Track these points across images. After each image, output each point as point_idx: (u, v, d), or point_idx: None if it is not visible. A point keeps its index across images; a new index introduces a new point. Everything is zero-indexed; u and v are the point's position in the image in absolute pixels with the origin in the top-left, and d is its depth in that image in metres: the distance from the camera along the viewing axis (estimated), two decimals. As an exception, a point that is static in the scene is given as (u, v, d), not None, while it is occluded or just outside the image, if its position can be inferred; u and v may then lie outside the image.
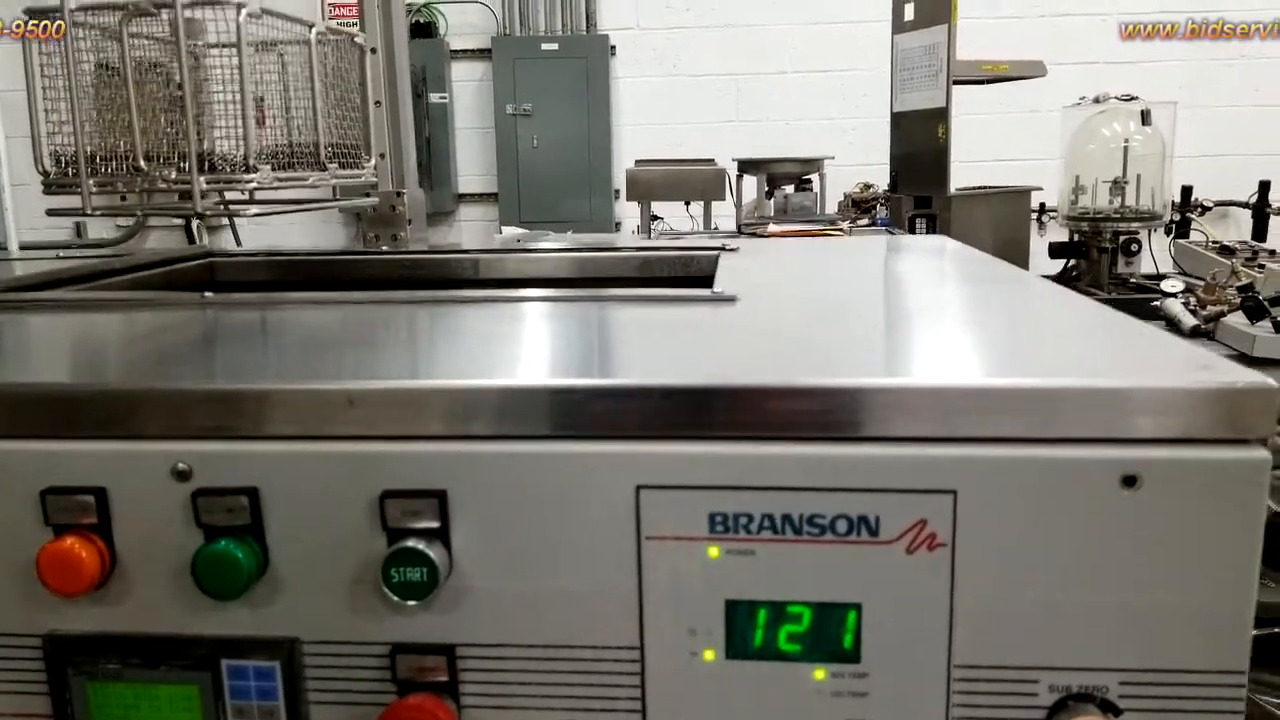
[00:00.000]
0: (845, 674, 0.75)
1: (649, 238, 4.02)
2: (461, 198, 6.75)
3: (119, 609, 0.79)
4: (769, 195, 4.47)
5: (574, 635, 0.77)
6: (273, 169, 1.30)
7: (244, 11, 1.24)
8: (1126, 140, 4.40)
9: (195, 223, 5.49)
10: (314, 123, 1.39)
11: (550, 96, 6.36)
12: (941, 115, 3.92)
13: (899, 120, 4.28)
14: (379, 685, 0.79)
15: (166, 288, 1.53)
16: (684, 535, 0.74)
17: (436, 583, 0.74)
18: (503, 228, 5.50)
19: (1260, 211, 5.20)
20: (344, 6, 6.03)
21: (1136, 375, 0.72)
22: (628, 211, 6.00)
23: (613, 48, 6.44)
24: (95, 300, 1.21)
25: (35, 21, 1.27)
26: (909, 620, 0.73)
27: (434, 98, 6.35)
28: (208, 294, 1.15)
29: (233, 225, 3.00)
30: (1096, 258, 4.36)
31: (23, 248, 6.13)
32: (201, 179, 1.23)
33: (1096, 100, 4.49)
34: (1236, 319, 2.82)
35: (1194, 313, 3.00)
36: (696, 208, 4.53)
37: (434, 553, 0.75)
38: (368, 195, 1.81)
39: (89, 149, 1.26)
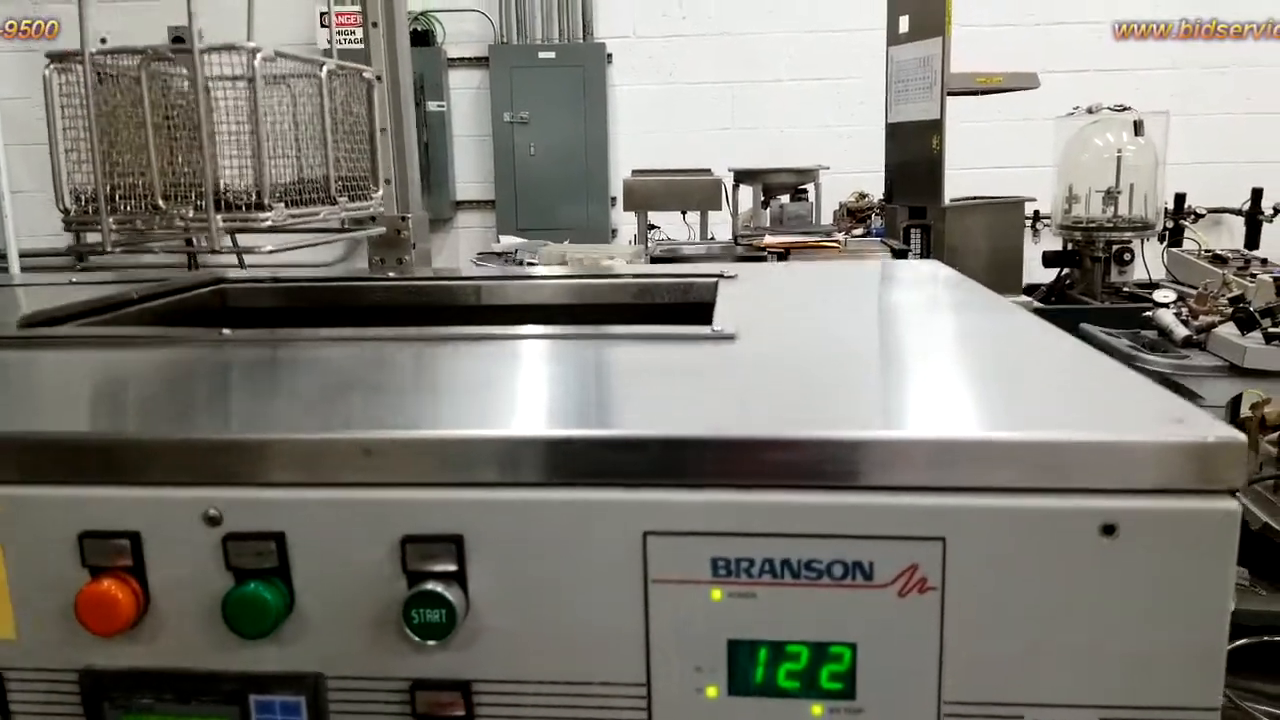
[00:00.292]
0: (841, 709, 0.79)
1: (646, 247, 4.06)
2: (459, 205, 6.80)
3: (152, 646, 0.84)
4: (765, 205, 4.52)
5: (584, 672, 0.81)
6: (286, 205, 1.34)
7: (259, 55, 1.28)
8: (1119, 150, 4.45)
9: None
10: (325, 158, 1.43)
11: (547, 104, 6.41)
12: (936, 127, 3.96)
13: (894, 131, 4.32)
14: (399, 719, 0.83)
15: (181, 316, 1.57)
16: (689, 578, 0.79)
17: (455, 624, 0.79)
18: (500, 237, 5.54)
19: (1253, 219, 5.24)
20: (341, 15, 6.06)
21: (1115, 429, 0.76)
22: (624, 219, 6.05)
23: (609, 55, 6.49)
24: (117, 337, 1.25)
25: (58, 64, 1.30)
26: (901, 659, 0.78)
27: (432, 106, 6.39)
28: (225, 331, 1.19)
29: (234, 241, 3.02)
30: (1090, 266, 4.41)
31: (23, 255, 6.18)
32: (218, 217, 1.27)
33: (1090, 110, 4.54)
34: (1228, 330, 2.86)
35: (1186, 323, 3.04)
36: (693, 216, 4.58)
37: (452, 595, 0.79)
38: (373, 220, 1.85)
39: (108, 187, 1.30)
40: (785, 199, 4.53)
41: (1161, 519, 0.73)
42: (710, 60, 6.49)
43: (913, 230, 4.04)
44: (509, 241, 4.55)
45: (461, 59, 6.64)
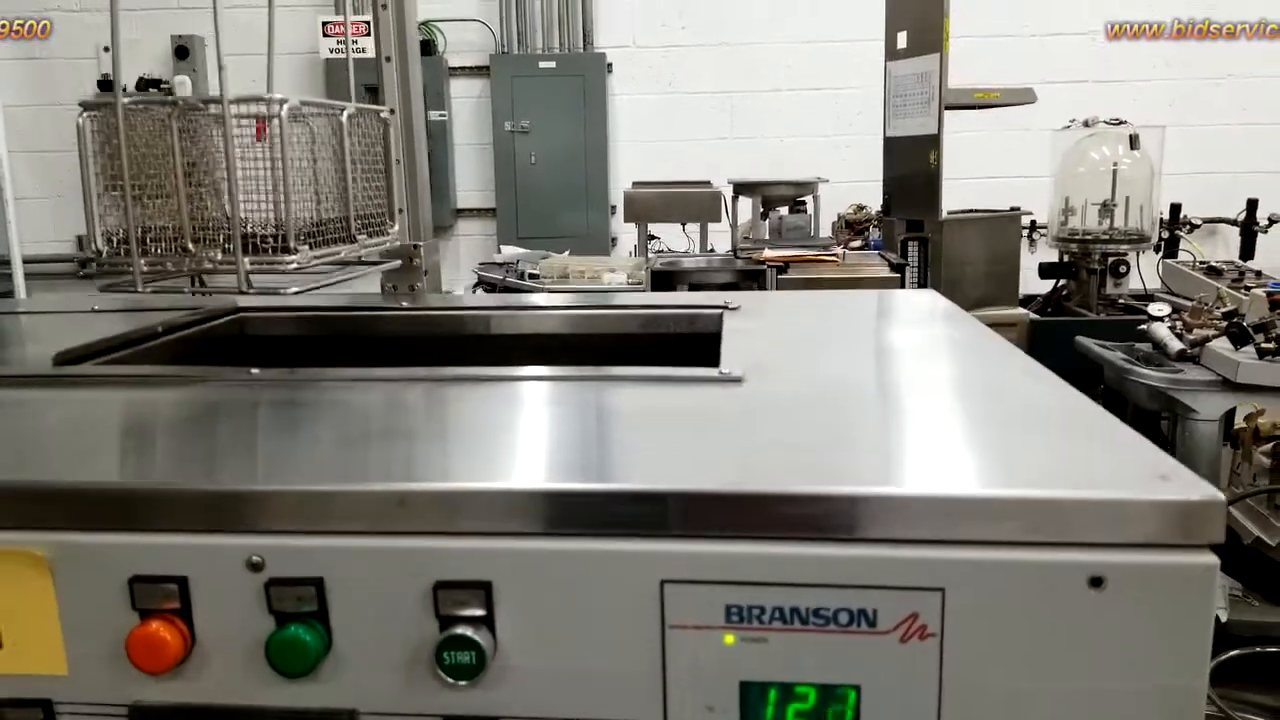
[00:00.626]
0: (846, 747, 0.85)
1: (646, 259, 4.11)
2: (460, 212, 6.85)
3: (198, 684, 0.89)
4: (764, 216, 4.57)
5: (605, 711, 0.87)
6: (310, 247, 1.39)
7: (285, 107, 1.33)
8: (1115, 164, 4.50)
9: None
10: (345, 198, 1.48)
11: (548, 113, 6.45)
12: (934, 142, 4.01)
13: (892, 145, 4.37)
14: (430, 754, 0.88)
15: (205, 346, 1.63)
16: (703, 624, 0.84)
17: (484, 665, 0.84)
18: (502, 246, 5.59)
19: (1248, 229, 5.29)
20: (342, 24, 6.11)
21: (1104, 487, 0.82)
22: (625, 227, 6.11)
23: (609, 65, 6.54)
24: (150, 376, 1.30)
25: (91, 113, 1.35)
26: (903, 700, 0.83)
27: (433, 115, 6.43)
28: (254, 370, 1.25)
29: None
30: (1085, 278, 4.46)
31: (26, 261, 6.23)
32: (246, 260, 1.32)
33: (1086, 124, 4.59)
34: (1221, 344, 2.90)
35: (1180, 336, 3.08)
36: (693, 227, 4.63)
37: (482, 638, 0.85)
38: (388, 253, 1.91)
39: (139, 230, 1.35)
40: (784, 211, 4.57)
41: (1146, 572, 0.79)
42: (709, 70, 6.55)
43: (910, 243, 4.09)
44: (510, 252, 4.60)
45: (463, 68, 6.69)
